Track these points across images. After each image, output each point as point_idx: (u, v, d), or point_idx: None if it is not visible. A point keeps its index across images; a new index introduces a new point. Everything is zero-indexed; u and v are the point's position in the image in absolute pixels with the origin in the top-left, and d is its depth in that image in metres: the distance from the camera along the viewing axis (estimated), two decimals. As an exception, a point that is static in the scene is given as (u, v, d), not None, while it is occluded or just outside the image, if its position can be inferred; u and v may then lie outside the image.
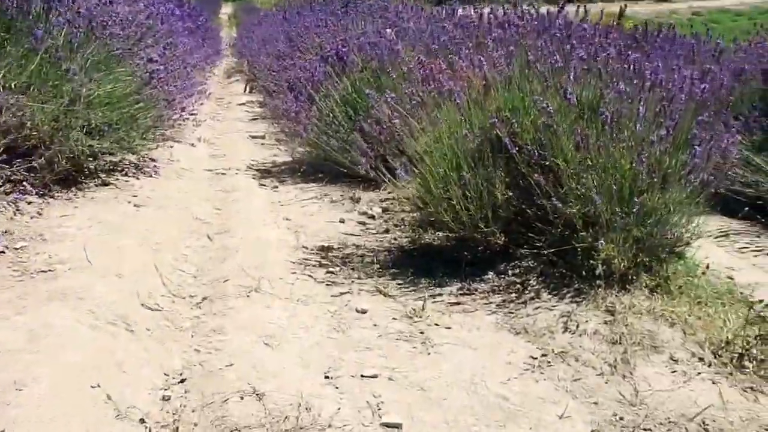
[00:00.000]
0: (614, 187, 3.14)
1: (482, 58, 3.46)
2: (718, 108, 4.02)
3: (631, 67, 3.39)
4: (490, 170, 3.43)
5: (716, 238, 4.50)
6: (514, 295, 3.26)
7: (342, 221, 4.36)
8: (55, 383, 2.31)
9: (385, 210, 4.53)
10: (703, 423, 2.28)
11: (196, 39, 9.59)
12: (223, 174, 5.45)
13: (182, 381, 2.54)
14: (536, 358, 2.73)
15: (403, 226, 4.22)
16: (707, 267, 3.47)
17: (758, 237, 4.59)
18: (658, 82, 3.32)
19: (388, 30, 4.93)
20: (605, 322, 2.94)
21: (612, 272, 3.15)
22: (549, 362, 2.70)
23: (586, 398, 2.47)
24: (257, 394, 2.37)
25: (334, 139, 5.10)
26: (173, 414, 2.33)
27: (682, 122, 3.28)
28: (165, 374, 2.58)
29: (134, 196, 4.35)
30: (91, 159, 4.32)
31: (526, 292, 3.27)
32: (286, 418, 2.25)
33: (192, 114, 6.16)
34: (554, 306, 3.11)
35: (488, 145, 3.49)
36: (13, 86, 3.57)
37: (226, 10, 25.78)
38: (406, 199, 4.11)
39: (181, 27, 7.23)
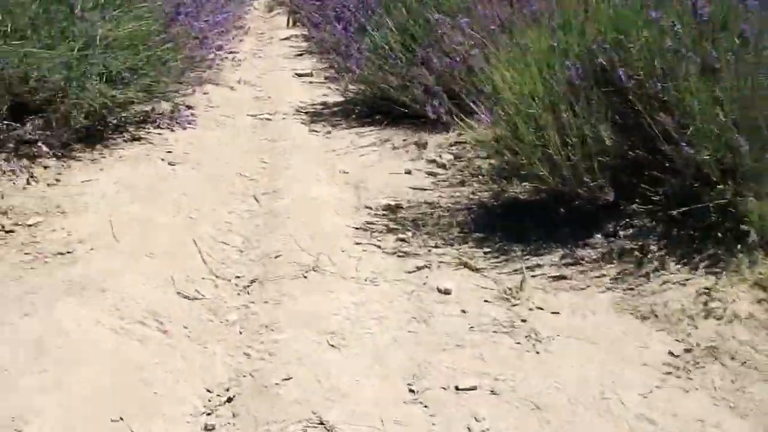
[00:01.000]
0: (762, 126, 2.46)
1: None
2: None
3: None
4: (594, 109, 2.76)
5: None
6: (631, 265, 2.63)
7: (408, 172, 3.74)
8: (65, 417, 1.79)
9: (457, 157, 3.89)
10: None
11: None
12: (268, 119, 4.85)
13: (229, 400, 2.00)
14: (678, 356, 2.12)
15: (480, 176, 3.58)
16: None
17: None
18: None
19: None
20: (758, 302, 2.30)
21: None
22: (696, 362, 2.08)
23: (760, 418, 1.86)
24: (325, 427, 1.81)
25: (391, 75, 4.44)
26: (218, 455, 1.79)
27: None
28: (207, 390, 2.04)
29: (168, 152, 3.79)
30: (118, 110, 3.75)
31: (647, 260, 2.63)
32: (366, 466, 1.69)
33: (230, 53, 5.54)
34: (686, 280, 2.48)
35: (591, 78, 2.81)
36: (9, 30, 2.99)
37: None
38: (486, 142, 3.46)
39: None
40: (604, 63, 2.80)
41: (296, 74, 6.40)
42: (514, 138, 2.95)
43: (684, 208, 2.57)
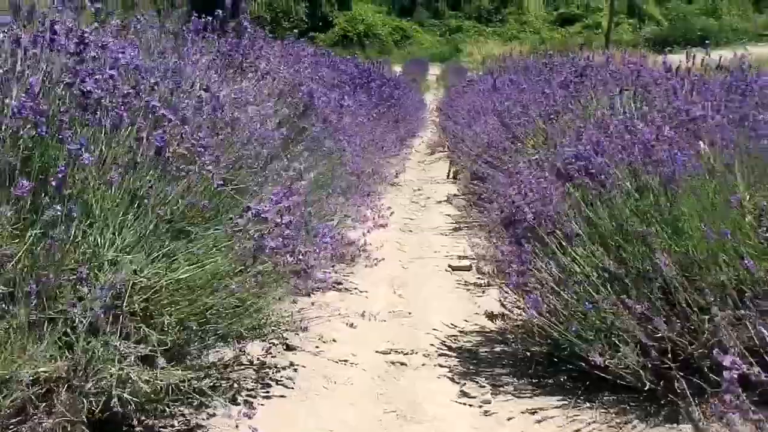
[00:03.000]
0: None
1: None
2: None
3: None
4: None
5: None
6: None
7: None
8: None
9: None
10: None
11: (387, 120, 7.82)
12: (402, 365, 3.40)
13: None
14: None
15: None
16: None
17: None
18: None
19: (702, 144, 2.66)
20: None
21: None
22: None
23: None
24: None
25: (586, 324, 2.90)
26: None
27: None
28: None
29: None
30: (160, 394, 2.45)
31: None
32: None
33: (364, 250, 4.25)
34: None
35: None
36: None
37: (434, 71, 24.43)
38: None
39: (352, 122, 5.39)
40: None
41: (450, 266, 4.99)
42: None
43: None
